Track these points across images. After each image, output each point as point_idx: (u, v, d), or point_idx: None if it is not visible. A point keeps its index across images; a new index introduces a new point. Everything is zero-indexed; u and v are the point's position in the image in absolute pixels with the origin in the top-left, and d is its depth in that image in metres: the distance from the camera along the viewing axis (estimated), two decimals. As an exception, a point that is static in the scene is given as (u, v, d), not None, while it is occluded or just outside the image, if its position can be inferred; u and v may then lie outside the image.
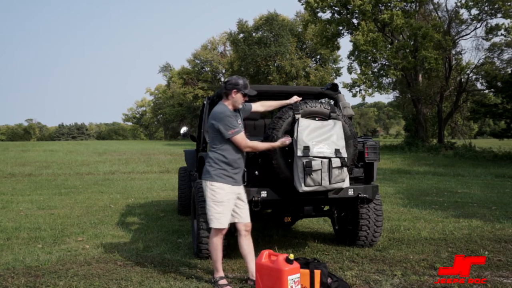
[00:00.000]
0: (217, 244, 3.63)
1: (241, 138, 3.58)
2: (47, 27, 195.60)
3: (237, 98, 3.68)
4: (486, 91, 25.79)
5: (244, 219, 3.71)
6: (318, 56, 39.17)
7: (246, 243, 3.70)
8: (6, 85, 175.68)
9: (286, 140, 3.74)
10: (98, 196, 9.45)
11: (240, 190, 3.73)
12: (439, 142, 25.85)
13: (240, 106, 3.77)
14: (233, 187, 3.64)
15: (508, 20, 22.48)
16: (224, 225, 3.60)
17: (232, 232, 3.94)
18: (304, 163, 3.65)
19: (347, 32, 27.10)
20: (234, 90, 3.66)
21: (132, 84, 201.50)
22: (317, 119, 3.91)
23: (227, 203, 3.60)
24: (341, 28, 26.67)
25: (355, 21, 25.89)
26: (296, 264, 3.31)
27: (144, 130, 78.81)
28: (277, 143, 3.74)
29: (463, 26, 25.75)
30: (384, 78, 26.36)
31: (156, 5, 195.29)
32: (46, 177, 13.99)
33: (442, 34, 23.86)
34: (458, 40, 26.02)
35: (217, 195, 3.58)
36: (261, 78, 36.75)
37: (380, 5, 24.23)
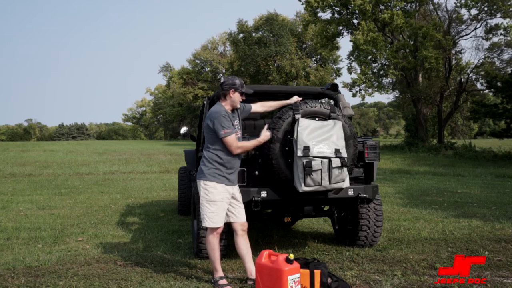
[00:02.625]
0: (213, 243, 3.63)
1: (231, 140, 3.57)
2: (47, 27, 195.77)
3: (235, 97, 3.70)
4: (486, 91, 25.79)
5: (240, 218, 3.71)
6: (318, 56, 39.19)
7: (243, 243, 3.70)
8: (6, 85, 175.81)
9: (268, 133, 3.79)
10: (98, 196, 9.45)
11: (235, 190, 3.73)
12: (439, 142, 25.85)
13: (239, 105, 3.79)
14: (227, 186, 3.64)
15: (507, 20, 22.50)
16: (217, 224, 3.60)
17: (232, 232, 3.93)
18: (304, 163, 3.65)
19: (347, 32, 27.12)
20: (232, 89, 3.68)
21: (132, 84, 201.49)
22: (317, 119, 3.91)
23: (221, 202, 3.60)
24: (341, 28, 26.67)
25: (355, 21, 25.90)
26: (296, 264, 3.31)
27: (144, 130, 78.81)
28: (261, 138, 3.76)
29: (463, 26, 25.80)
30: (384, 78, 26.36)
31: (156, 5, 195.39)
32: (46, 177, 13.99)
33: (442, 34, 23.87)
34: (458, 40, 26.05)
35: (210, 194, 3.59)
36: (261, 78, 36.77)
37: (380, 5, 24.23)
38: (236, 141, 3.60)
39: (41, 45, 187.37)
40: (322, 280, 3.43)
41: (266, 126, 3.88)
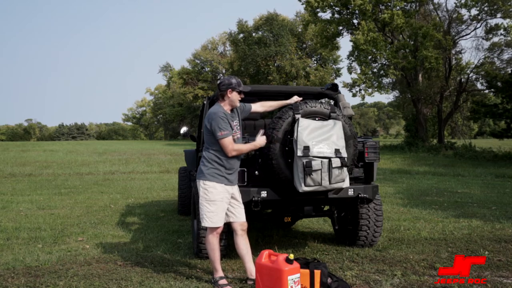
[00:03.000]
0: (213, 243, 3.63)
1: (228, 142, 3.57)
2: (47, 27, 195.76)
3: (233, 97, 3.70)
4: (486, 91, 25.79)
5: (239, 218, 3.71)
6: (318, 56, 39.19)
7: (243, 243, 3.70)
8: (6, 85, 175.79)
9: (264, 138, 3.79)
10: (98, 196, 9.45)
11: (234, 190, 3.73)
12: (439, 142, 25.85)
13: (238, 104, 3.78)
14: (226, 186, 3.64)
15: (507, 20, 22.51)
16: (216, 224, 3.60)
17: (232, 232, 3.93)
18: (304, 163, 3.65)
19: (347, 32, 27.13)
20: (229, 89, 3.68)
21: (132, 84, 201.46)
22: (317, 119, 3.91)
23: (220, 202, 3.60)
24: (341, 28, 26.68)
25: (355, 21, 25.90)
26: (296, 264, 3.31)
27: (144, 130, 78.82)
28: (257, 143, 3.75)
29: (463, 26, 25.80)
30: (384, 78, 26.36)
31: (156, 5, 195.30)
32: (46, 177, 13.99)
33: (442, 34, 23.88)
34: (458, 40, 26.05)
35: (209, 194, 3.59)
36: (261, 78, 36.77)
37: (380, 5, 24.23)
38: (232, 144, 3.60)
39: (41, 45, 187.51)
40: (322, 280, 3.43)
41: (262, 131, 3.86)
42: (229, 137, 3.58)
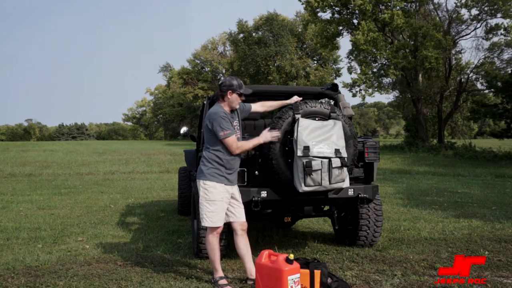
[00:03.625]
0: (213, 243, 3.63)
1: (231, 141, 3.57)
2: (47, 27, 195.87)
3: (233, 98, 3.69)
4: (486, 91, 25.81)
5: (239, 218, 3.71)
6: (318, 56, 39.21)
7: (243, 243, 3.70)
8: (6, 85, 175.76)
9: (269, 135, 3.74)
10: (98, 196, 9.45)
11: (234, 190, 3.73)
12: (439, 142, 25.86)
13: (237, 106, 3.78)
14: (226, 186, 3.64)
15: (507, 20, 22.52)
16: (216, 223, 3.60)
17: (232, 232, 3.93)
18: (304, 163, 3.65)
19: (347, 32, 27.14)
20: (229, 91, 3.66)
21: (132, 84, 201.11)
22: (317, 119, 3.91)
23: (220, 202, 3.60)
24: (341, 28, 26.69)
25: (355, 21, 25.91)
26: (296, 264, 3.31)
27: (144, 130, 78.80)
28: (261, 139, 3.71)
29: (463, 26, 25.82)
30: (384, 78, 26.37)
31: (156, 5, 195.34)
32: (46, 177, 13.99)
33: (442, 34, 23.89)
34: (458, 40, 26.06)
35: (209, 194, 3.59)
36: (261, 78, 36.78)
37: (380, 4, 24.24)
38: (236, 142, 3.60)
39: (41, 45, 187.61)
40: (322, 280, 3.43)
41: (269, 129, 3.82)
42: (232, 136, 3.58)
